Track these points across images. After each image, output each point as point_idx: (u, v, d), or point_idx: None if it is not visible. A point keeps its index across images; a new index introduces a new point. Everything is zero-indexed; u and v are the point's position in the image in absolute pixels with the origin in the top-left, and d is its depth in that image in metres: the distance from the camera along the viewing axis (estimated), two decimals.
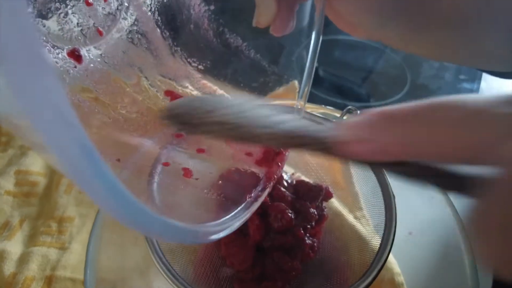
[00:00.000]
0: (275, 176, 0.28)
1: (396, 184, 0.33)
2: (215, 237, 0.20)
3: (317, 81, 0.67)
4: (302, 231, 0.32)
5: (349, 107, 0.37)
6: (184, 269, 0.31)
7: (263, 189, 0.27)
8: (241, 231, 0.32)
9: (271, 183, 0.28)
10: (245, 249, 0.31)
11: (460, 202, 0.34)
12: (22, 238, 0.41)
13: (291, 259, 0.31)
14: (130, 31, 0.29)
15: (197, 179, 0.27)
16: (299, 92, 0.30)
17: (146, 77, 0.32)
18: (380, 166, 0.20)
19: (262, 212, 0.32)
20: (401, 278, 0.40)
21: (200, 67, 0.34)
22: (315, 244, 0.34)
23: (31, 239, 0.41)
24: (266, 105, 0.23)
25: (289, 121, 0.19)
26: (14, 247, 0.40)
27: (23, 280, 0.36)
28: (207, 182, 0.28)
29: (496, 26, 0.23)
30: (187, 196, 0.27)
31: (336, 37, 0.75)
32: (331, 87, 0.67)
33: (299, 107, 0.30)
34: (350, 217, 0.41)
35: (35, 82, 0.10)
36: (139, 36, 0.29)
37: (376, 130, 0.16)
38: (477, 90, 0.68)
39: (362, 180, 0.38)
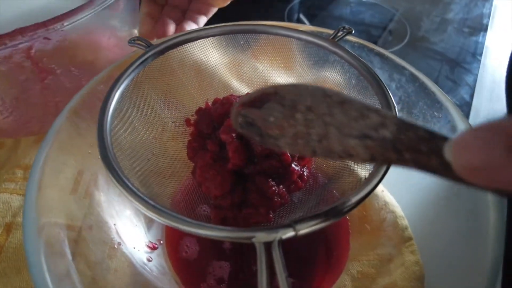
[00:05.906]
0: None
1: None
2: None
3: None
4: (289, 155, 0.28)
5: (344, 26, 0.33)
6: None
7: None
8: (219, 154, 0.28)
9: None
10: (223, 172, 0.27)
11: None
12: None
13: (275, 184, 0.27)
14: None
15: None
16: None
17: None
18: None
19: (242, 135, 0.28)
20: (405, 222, 0.36)
21: None
22: (304, 173, 0.29)
23: None
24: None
25: (389, 124, 0.14)
26: None
27: None
28: None
29: None
30: None
31: None
32: None
33: None
34: None
35: None
36: None
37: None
38: (482, 42, 0.64)
39: None
